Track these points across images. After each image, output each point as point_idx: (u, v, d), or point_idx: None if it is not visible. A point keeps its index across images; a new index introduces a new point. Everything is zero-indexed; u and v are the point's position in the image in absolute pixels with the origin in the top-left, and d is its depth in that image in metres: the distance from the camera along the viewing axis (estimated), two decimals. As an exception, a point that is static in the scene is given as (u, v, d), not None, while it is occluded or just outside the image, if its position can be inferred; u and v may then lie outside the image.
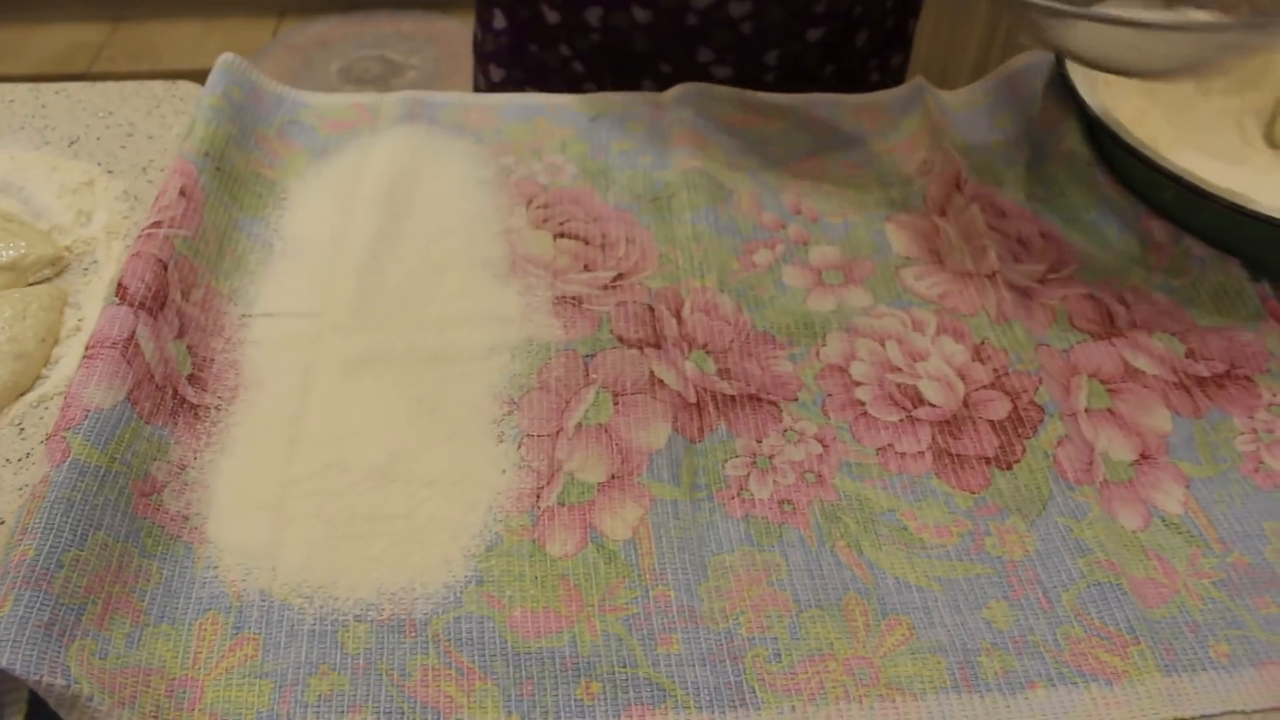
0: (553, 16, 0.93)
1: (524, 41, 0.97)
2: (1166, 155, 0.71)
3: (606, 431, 0.61)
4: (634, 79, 0.94)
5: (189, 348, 0.62)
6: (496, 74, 1.01)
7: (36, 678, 0.45)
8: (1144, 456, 0.62)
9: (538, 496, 0.58)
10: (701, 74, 0.90)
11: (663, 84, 0.87)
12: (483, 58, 1.03)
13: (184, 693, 0.49)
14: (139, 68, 2.66)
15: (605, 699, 0.50)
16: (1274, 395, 0.65)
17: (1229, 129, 0.79)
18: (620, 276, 0.70)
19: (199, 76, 0.79)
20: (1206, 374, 0.66)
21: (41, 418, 0.60)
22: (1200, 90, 0.81)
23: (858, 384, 0.64)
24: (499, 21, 0.98)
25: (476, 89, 1.05)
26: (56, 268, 0.68)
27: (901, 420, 0.63)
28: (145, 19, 2.84)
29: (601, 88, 0.90)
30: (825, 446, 0.61)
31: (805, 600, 0.54)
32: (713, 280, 0.70)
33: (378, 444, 0.59)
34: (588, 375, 0.64)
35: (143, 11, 2.83)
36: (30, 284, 0.66)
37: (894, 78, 1.04)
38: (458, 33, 2.68)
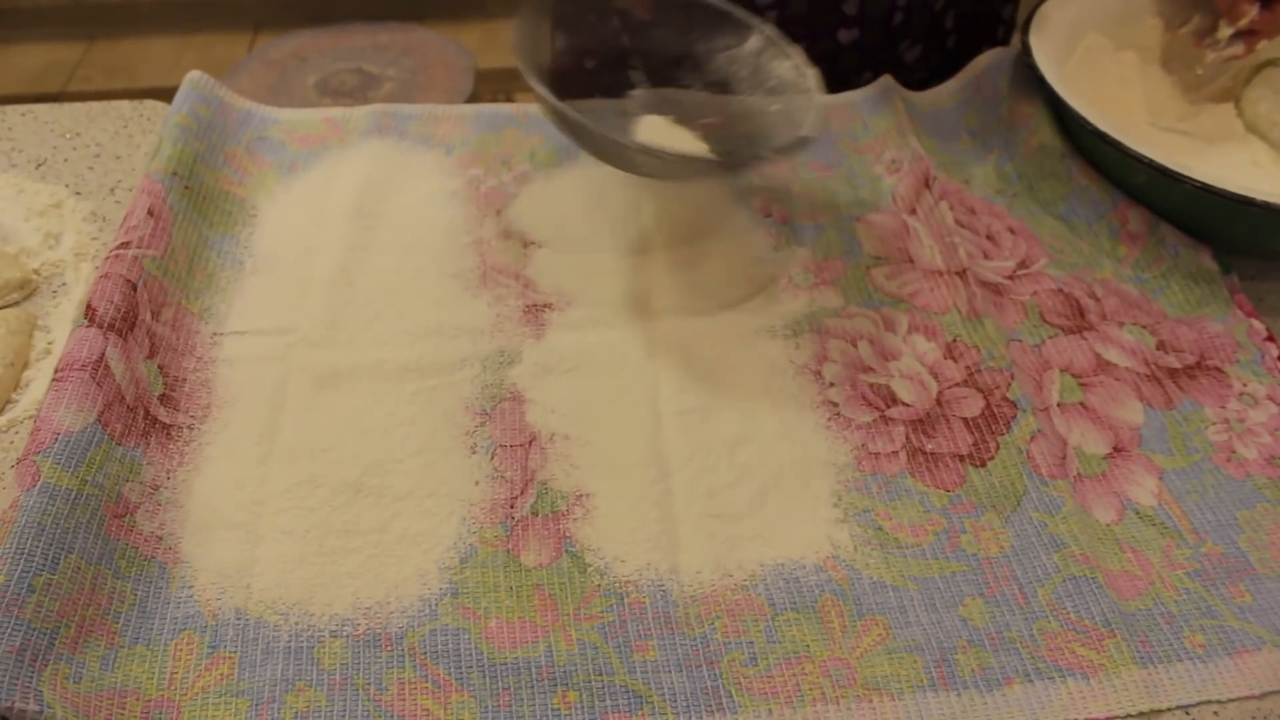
0: None
1: None
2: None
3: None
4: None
5: (160, 368, 0.62)
6: None
7: (8, 703, 0.45)
8: (1117, 449, 0.62)
9: (511, 507, 0.58)
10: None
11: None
12: None
13: (160, 714, 0.49)
14: (114, 85, 2.64)
15: (582, 707, 0.50)
16: (1244, 385, 0.65)
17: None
18: (591, 284, 0.70)
19: (174, 93, 0.78)
20: (1178, 365, 0.66)
21: (12, 442, 0.59)
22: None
23: (830, 385, 0.65)
24: None
25: None
26: (25, 291, 0.68)
27: (875, 420, 0.63)
28: (120, 37, 2.82)
29: None
30: (799, 448, 0.61)
31: (781, 603, 0.54)
32: (684, 285, 0.69)
33: (350, 459, 0.59)
34: (560, 384, 0.64)
35: (117, 29, 2.82)
36: (-1, 308, 0.66)
37: None
38: (434, 44, 2.67)
